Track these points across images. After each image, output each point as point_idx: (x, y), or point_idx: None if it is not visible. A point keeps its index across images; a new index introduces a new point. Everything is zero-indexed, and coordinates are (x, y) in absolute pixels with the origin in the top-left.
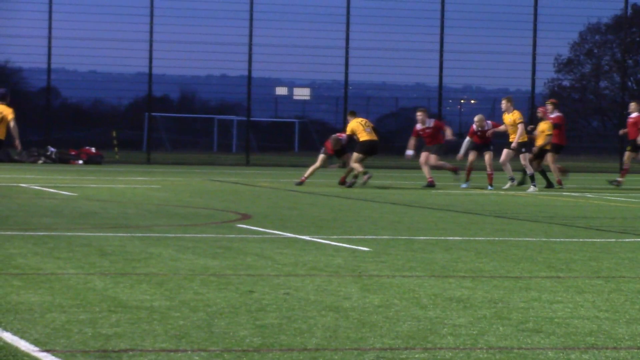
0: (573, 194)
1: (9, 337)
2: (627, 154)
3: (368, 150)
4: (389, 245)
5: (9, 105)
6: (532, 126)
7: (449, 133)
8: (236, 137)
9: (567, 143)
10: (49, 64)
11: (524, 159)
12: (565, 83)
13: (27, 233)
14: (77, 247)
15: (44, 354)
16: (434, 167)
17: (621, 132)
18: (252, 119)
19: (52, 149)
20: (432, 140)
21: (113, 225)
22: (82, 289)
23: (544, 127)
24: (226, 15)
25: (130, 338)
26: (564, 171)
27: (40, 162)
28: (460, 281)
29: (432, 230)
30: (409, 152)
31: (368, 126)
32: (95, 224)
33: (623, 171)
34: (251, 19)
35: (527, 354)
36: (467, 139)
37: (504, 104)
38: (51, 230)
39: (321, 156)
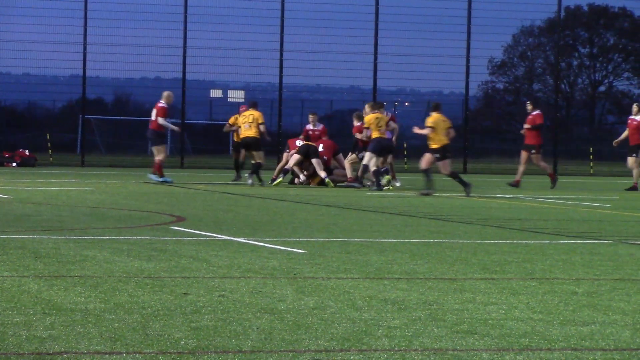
0: (507, 196)
1: None
2: (630, 160)
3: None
4: (324, 247)
5: None
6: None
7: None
8: (170, 140)
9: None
10: None
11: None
12: (499, 85)
13: None
14: (10, 250)
15: None
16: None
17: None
18: (186, 121)
19: None
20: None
21: (47, 228)
22: (16, 291)
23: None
24: (161, 18)
25: (65, 341)
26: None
27: None
28: (395, 283)
29: (367, 233)
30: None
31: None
32: (29, 226)
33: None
34: (185, 22)
35: (462, 355)
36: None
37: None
38: None
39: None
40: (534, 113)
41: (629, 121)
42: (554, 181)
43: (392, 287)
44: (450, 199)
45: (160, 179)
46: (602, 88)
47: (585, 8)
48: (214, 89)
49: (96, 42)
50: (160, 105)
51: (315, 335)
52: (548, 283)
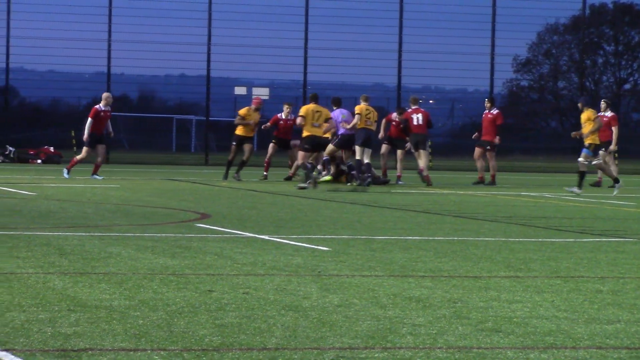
0: (532, 194)
1: None
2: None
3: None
4: (349, 244)
5: None
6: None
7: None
8: (195, 137)
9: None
10: (7, 63)
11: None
12: (524, 83)
13: None
14: (36, 247)
15: (4, 353)
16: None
17: None
18: (211, 118)
19: (11, 149)
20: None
21: (72, 225)
22: (41, 288)
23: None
24: (185, 15)
25: (90, 337)
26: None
27: None
28: (420, 281)
29: (391, 230)
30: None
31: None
32: (54, 223)
33: None
34: (210, 19)
35: (486, 353)
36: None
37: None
38: (10, 229)
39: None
40: (494, 112)
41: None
42: (488, 182)
43: (417, 285)
44: (474, 196)
45: (67, 175)
46: (627, 86)
47: (610, 6)
48: (239, 86)
49: (121, 39)
50: (95, 107)
51: (340, 332)
52: (573, 281)
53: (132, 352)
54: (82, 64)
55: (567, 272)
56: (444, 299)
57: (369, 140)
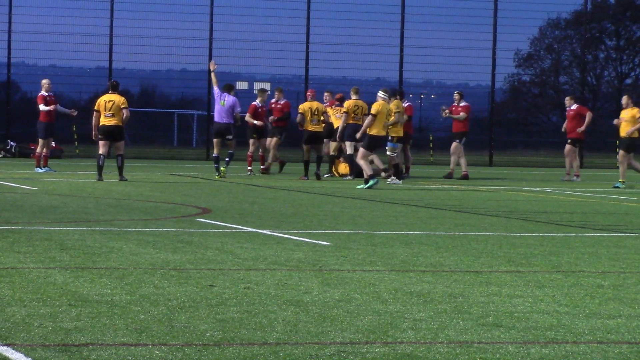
0: (533, 188)
1: None
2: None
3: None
4: (350, 239)
5: None
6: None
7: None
8: (196, 132)
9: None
10: (8, 58)
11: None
12: (525, 78)
13: None
14: (37, 242)
15: (4, 347)
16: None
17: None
18: (212, 113)
19: (12, 143)
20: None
21: (73, 220)
22: (42, 283)
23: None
24: (187, 10)
25: (91, 332)
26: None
27: (0, 156)
28: (421, 275)
29: (393, 225)
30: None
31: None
32: (56, 218)
33: None
34: (212, 13)
35: (487, 348)
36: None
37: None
38: (11, 224)
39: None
40: (462, 104)
41: (567, 112)
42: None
43: (418, 280)
44: (475, 191)
45: (44, 169)
46: (628, 81)
47: (612, 0)
48: (240, 80)
49: (122, 34)
50: (39, 94)
51: (341, 327)
52: (574, 276)
53: (133, 347)
54: (83, 59)
55: (568, 266)
56: (445, 293)
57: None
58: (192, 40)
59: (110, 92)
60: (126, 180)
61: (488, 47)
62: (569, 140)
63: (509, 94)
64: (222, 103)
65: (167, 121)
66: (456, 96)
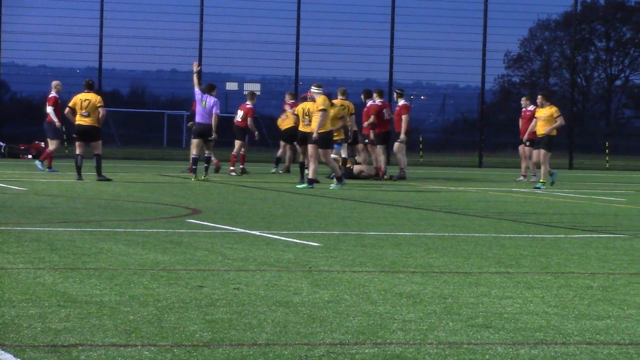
0: (522, 190)
1: None
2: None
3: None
4: (339, 240)
5: None
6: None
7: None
8: (186, 132)
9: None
10: None
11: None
12: (515, 79)
13: None
14: (26, 242)
15: None
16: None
17: None
18: None
19: (2, 144)
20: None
21: (63, 220)
22: (31, 283)
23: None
24: (177, 11)
25: (80, 333)
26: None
27: None
28: (410, 276)
29: (382, 226)
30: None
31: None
32: (45, 218)
33: None
34: (202, 14)
35: (477, 349)
36: None
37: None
38: (0, 225)
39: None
40: (400, 103)
41: (522, 113)
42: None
43: (407, 281)
44: (465, 192)
45: (48, 170)
46: (618, 82)
47: (602, 2)
48: (230, 81)
49: (112, 34)
50: (50, 95)
51: (330, 328)
52: (563, 277)
53: (122, 348)
54: (73, 59)
55: (557, 268)
56: (434, 294)
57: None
58: (182, 41)
59: (85, 91)
60: (106, 180)
61: (478, 48)
62: (527, 143)
63: (499, 95)
64: (204, 104)
65: (157, 122)
66: (395, 95)
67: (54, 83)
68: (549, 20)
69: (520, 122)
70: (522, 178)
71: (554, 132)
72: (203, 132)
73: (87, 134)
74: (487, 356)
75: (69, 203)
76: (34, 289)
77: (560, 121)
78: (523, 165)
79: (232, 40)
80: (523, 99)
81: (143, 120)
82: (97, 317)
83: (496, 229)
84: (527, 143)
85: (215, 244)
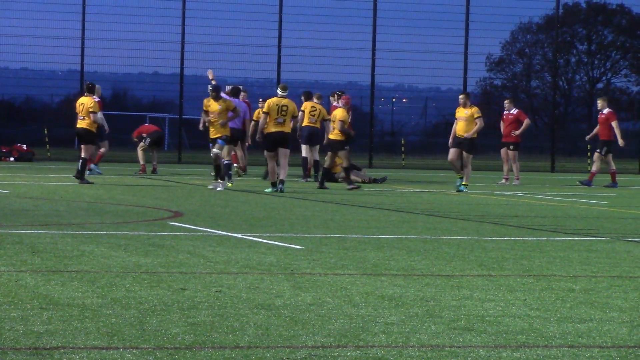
0: (504, 192)
1: None
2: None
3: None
4: (321, 243)
5: None
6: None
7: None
8: (168, 135)
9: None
10: None
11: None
12: (497, 82)
13: None
14: (8, 245)
15: None
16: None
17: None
18: (184, 116)
19: None
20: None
21: (45, 223)
22: (13, 286)
23: None
24: (159, 13)
25: (62, 335)
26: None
27: None
28: (392, 279)
29: (364, 229)
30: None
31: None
32: (27, 221)
33: None
34: (184, 17)
35: (459, 352)
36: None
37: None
38: None
39: None
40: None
41: (504, 116)
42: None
43: (390, 284)
44: (447, 195)
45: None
46: (600, 85)
47: (584, 5)
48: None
49: (94, 37)
50: (97, 100)
51: (312, 331)
52: (545, 280)
53: (104, 351)
54: (55, 62)
55: (539, 270)
56: (416, 297)
57: (313, 137)
58: (164, 44)
59: (85, 94)
60: (86, 183)
61: (460, 51)
62: (511, 147)
63: (481, 98)
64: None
65: (138, 124)
66: (334, 97)
67: (97, 87)
68: (530, 23)
69: (502, 124)
70: (504, 181)
71: (475, 134)
72: (233, 137)
73: (80, 137)
74: (469, 359)
75: (50, 205)
76: (15, 292)
77: (480, 123)
78: (505, 167)
79: (214, 42)
80: (506, 101)
81: (125, 123)
82: (79, 319)
83: (478, 231)
84: (512, 147)
85: (197, 246)
